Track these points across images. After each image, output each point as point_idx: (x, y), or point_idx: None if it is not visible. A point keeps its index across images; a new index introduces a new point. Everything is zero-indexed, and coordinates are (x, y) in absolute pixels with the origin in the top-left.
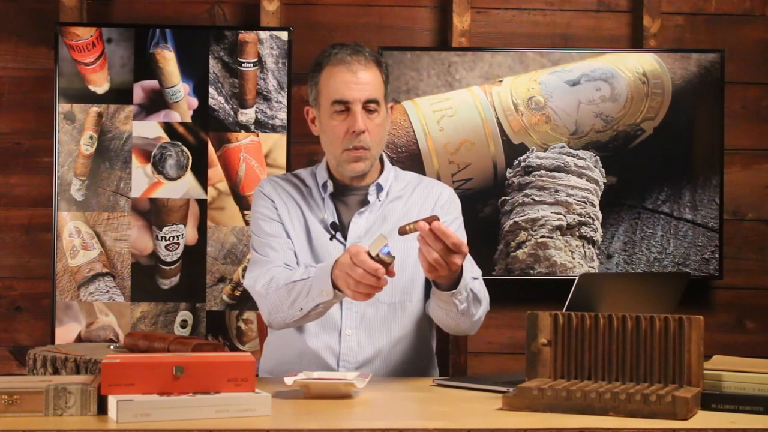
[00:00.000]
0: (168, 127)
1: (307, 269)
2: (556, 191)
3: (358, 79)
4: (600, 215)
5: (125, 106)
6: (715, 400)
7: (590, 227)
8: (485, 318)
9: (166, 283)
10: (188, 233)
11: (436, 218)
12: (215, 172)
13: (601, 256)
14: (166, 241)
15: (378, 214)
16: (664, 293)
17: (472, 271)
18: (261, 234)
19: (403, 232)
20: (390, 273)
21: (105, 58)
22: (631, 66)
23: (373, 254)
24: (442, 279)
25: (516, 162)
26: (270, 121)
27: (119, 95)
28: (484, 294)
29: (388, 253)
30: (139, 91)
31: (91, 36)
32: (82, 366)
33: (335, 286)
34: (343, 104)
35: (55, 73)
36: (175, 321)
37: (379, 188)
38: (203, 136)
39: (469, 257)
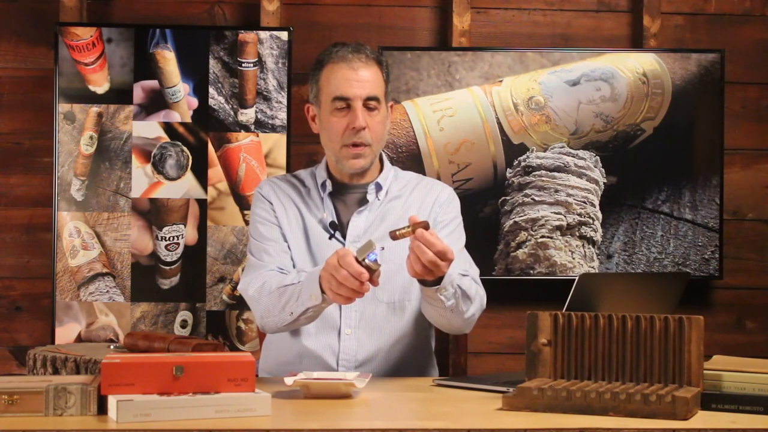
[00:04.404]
0: (168, 127)
1: (299, 273)
2: (556, 191)
3: (359, 77)
4: (600, 215)
5: (125, 106)
6: (715, 400)
7: (590, 227)
8: (485, 318)
9: (166, 283)
10: (188, 233)
11: (424, 225)
12: (215, 172)
13: (601, 256)
14: (166, 241)
15: (377, 213)
16: (664, 293)
17: (468, 271)
18: (258, 237)
19: (394, 237)
20: (374, 282)
21: (105, 58)
22: (631, 66)
23: (360, 259)
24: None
25: (516, 162)
26: (270, 121)
27: (119, 95)
28: (476, 291)
29: (375, 260)
30: (139, 91)
31: (91, 36)
32: (82, 366)
33: (323, 290)
34: (344, 101)
35: (55, 73)
36: (175, 321)
37: (379, 187)
38: (203, 136)
39: (466, 256)
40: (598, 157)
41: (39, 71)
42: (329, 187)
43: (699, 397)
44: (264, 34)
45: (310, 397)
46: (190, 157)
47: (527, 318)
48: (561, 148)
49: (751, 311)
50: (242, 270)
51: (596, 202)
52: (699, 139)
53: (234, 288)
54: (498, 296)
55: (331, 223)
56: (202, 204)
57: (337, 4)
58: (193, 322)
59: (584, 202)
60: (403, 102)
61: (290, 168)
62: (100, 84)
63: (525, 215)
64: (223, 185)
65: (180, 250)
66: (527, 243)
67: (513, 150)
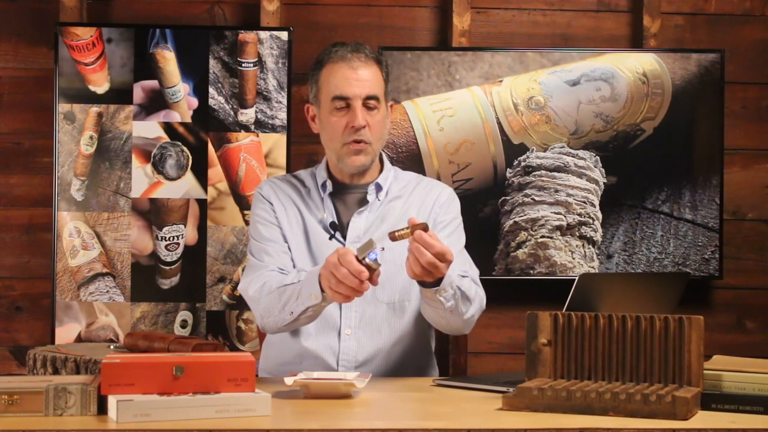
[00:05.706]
0: (168, 127)
1: (299, 273)
2: (556, 191)
3: (358, 76)
4: (600, 215)
5: (125, 106)
6: (715, 400)
7: (590, 227)
8: (485, 318)
9: (166, 283)
10: (188, 233)
11: (423, 226)
12: (215, 172)
13: (601, 256)
14: (166, 241)
15: (377, 213)
16: (664, 293)
17: (467, 272)
18: (258, 238)
19: (393, 238)
20: (373, 281)
21: (105, 58)
22: (631, 66)
23: (360, 257)
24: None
25: (516, 162)
26: (270, 121)
27: (119, 95)
28: (475, 293)
29: (375, 259)
30: (139, 91)
31: (91, 36)
32: (82, 366)
33: (323, 288)
34: (344, 100)
35: (55, 73)
36: (175, 321)
37: (379, 188)
38: (203, 136)
39: (466, 257)
40: (598, 157)
41: (39, 71)
42: (329, 187)
43: (699, 397)
44: (264, 34)
45: (310, 397)
46: (190, 157)
47: (527, 318)
48: (561, 148)
49: (751, 311)
50: (242, 270)
51: (596, 202)
52: (699, 139)
53: (234, 288)
54: (498, 296)
55: (332, 224)
56: (202, 204)
57: (337, 4)
58: (193, 322)
59: (584, 202)
60: (403, 102)
61: (290, 168)
62: (100, 84)
63: (525, 215)
64: (223, 185)
65: (180, 250)
66: (527, 243)
67: (513, 150)
